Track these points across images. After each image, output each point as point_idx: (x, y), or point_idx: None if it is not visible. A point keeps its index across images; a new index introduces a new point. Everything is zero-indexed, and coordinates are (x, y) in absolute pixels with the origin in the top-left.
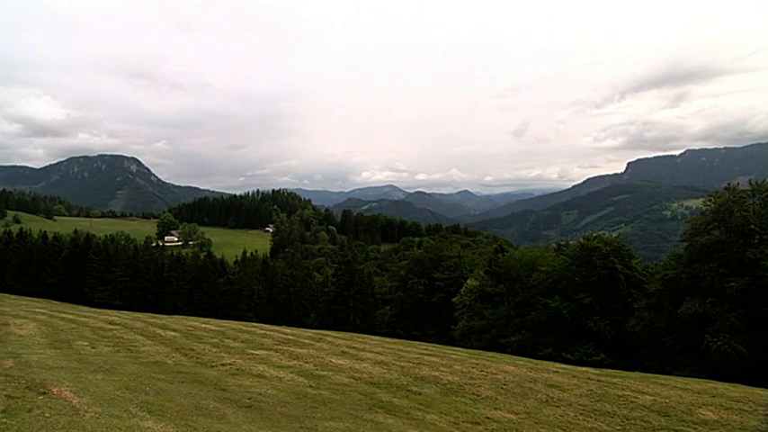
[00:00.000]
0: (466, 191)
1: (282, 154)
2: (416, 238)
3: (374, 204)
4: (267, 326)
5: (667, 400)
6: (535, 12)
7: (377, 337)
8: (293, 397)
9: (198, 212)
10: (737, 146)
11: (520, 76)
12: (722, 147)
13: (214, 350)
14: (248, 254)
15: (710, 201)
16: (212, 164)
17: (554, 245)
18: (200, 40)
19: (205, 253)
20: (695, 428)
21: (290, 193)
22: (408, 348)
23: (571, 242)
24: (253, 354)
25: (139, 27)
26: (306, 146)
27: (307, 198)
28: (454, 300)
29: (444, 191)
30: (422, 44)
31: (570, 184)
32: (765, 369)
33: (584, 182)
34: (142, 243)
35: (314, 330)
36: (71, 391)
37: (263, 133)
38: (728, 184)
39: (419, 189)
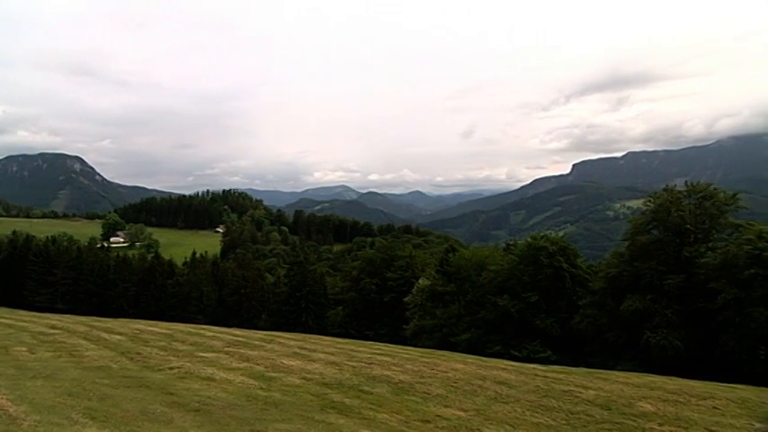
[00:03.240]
0: (418, 191)
1: (233, 153)
2: (369, 239)
3: (327, 205)
4: (217, 328)
5: (609, 394)
6: (483, 14)
7: (329, 338)
8: (243, 399)
9: (145, 213)
10: (675, 148)
11: (469, 79)
12: (661, 149)
13: (161, 353)
14: (198, 255)
15: (650, 201)
16: (160, 163)
17: (503, 244)
18: (147, 37)
19: (153, 254)
20: (635, 421)
21: (241, 193)
22: (360, 348)
23: (519, 242)
24: (202, 356)
25: (82, 22)
26: (257, 145)
27: (258, 198)
28: (406, 299)
29: (396, 191)
30: (375, 45)
31: (518, 185)
32: (698, 362)
33: (531, 183)
34: (86, 244)
35: (265, 332)
36: (8, 399)
37: (213, 132)
38: (667, 186)
39: (371, 189)
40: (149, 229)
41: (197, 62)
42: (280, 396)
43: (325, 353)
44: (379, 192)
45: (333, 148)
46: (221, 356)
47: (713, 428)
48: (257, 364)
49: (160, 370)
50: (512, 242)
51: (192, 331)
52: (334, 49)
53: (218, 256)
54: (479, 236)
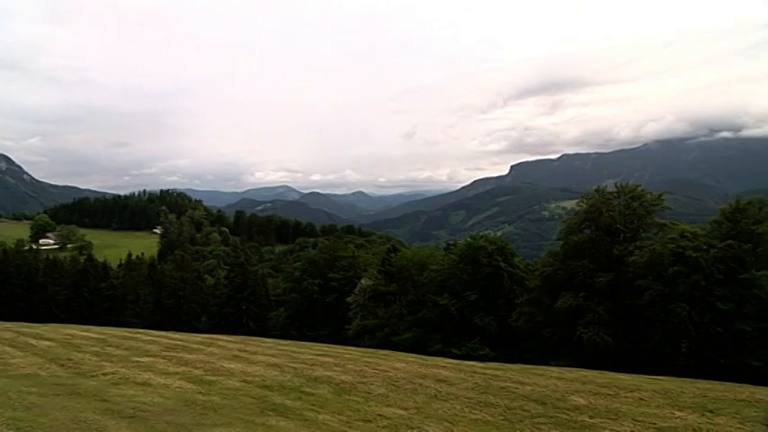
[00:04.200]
0: (360, 191)
1: (171, 152)
2: (311, 239)
3: (268, 205)
4: (154, 332)
5: (544, 389)
6: (426, 18)
7: (270, 340)
8: (181, 404)
9: (78, 213)
10: (606, 151)
11: (411, 81)
12: (593, 152)
13: (94, 359)
14: (134, 257)
15: (583, 202)
16: (94, 162)
17: (444, 244)
18: (80, 31)
19: (85, 256)
20: (568, 414)
21: (180, 193)
22: (302, 350)
23: (459, 241)
24: (137, 361)
25: (8, 14)
26: (196, 144)
27: (197, 198)
28: (348, 299)
29: (339, 191)
30: (318, 46)
31: (459, 186)
32: (627, 356)
33: (471, 183)
34: (13, 246)
35: (205, 335)
36: None
37: (150, 130)
38: (598, 187)
39: (314, 189)
40: (82, 231)
41: (133, 58)
42: (219, 400)
43: (266, 355)
44: (322, 192)
45: (275, 148)
46: (158, 361)
47: (639, 418)
48: (196, 368)
49: (93, 376)
50: (452, 242)
51: (128, 335)
52: (276, 48)
53: (156, 257)
54: (421, 236)
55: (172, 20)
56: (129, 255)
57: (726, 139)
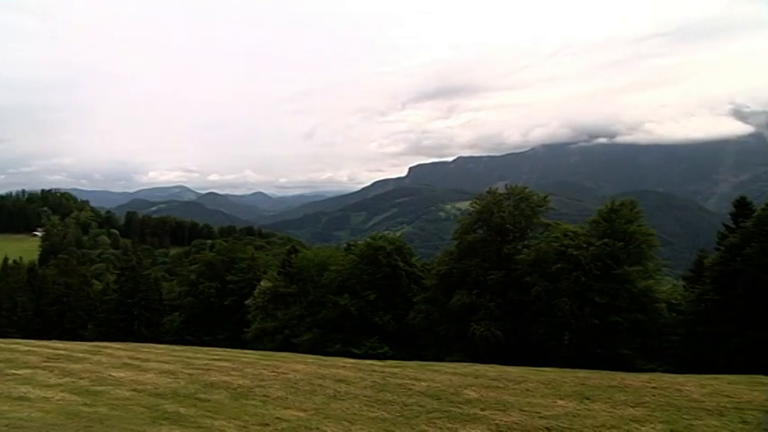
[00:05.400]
0: (260, 192)
1: (53, 150)
2: (209, 241)
3: (163, 206)
4: (34, 341)
5: (439, 385)
6: (324, 18)
7: (164, 346)
8: (63, 418)
9: None
10: (497, 154)
11: (310, 81)
12: (485, 155)
13: None
14: (11, 261)
15: (476, 203)
16: None
17: (344, 245)
18: None
19: None
20: (460, 408)
21: (64, 193)
22: (198, 355)
23: (359, 242)
24: (14, 374)
25: None
26: (83, 142)
27: (85, 199)
28: (247, 302)
29: (238, 192)
30: (215, 42)
31: (359, 187)
32: (515, 349)
33: (371, 185)
34: None
35: (92, 343)
36: None
37: (29, 126)
38: (490, 189)
39: (212, 190)
40: None
41: (10, 48)
42: (106, 411)
43: (159, 362)
44: (220, 192)
45: (170, 147)
46: (38, 372)
47: (525, 408)
48: (81, 379)
49: None
50: (353, 242)
51: (3, 346)
52: (171, 42)
53: (36, 262)
54: (322, 236)
55: (53, 10)
56: (6, 259)
57: (603, 144)
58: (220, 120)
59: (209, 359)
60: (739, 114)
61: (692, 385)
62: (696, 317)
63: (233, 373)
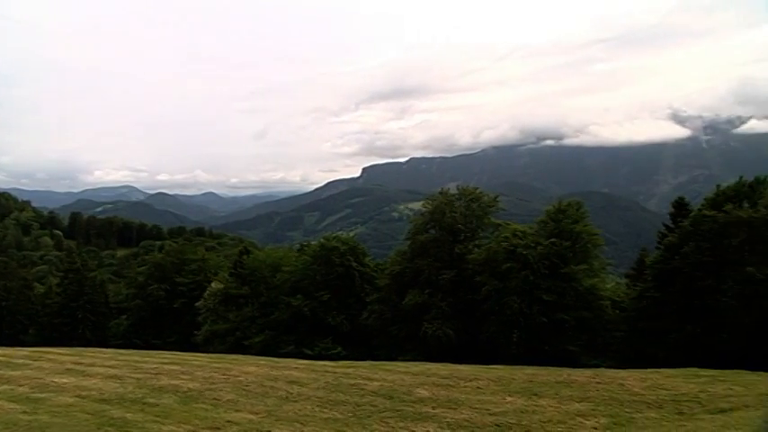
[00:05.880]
0: (211, 192)
1: None
2: (158, 242)
3: (109, 206)
4: None
5: (392, 384)
6: (277, 18)
7: (110, 350)
8: (1, 427)
9: None
10: (449, 155)
11: (263, 81)
12: (438, 156)
13: None
14: None
15: (428, 203)
16: None
17: (297, 245)
18: None
19: None
20: (412, 406)
21: (3, 193)
22: (146, 359)
23: (313, 242)
24: None
25: None
26: (23, 140)
27: (26, 199)
28: (197, 304)
29: (188, 192)
30: (165, 38)
31: (312, 187)
32: (466, 348)
33: (325, 185)
34: None
35: (32, 348)
36: None
37: None
38: (442, 189)
39: (161, 190)
40: None
41: None
42: (48, 419)
43: (104, 366)
44: (170, 193)
45: (116, 145)
46: None
47: (476, 406)
48: (20, 386)
49: None
50: (306, 243)
51: None
52: (117, 37)
53: None
54: (275, 237)
55: None
56: None
57: (550, 146)
58: (170, 118)
59: (157, 363)
60: (677, 118)
61: (634, 379)
62: (638, 313)
63: (182, 376)
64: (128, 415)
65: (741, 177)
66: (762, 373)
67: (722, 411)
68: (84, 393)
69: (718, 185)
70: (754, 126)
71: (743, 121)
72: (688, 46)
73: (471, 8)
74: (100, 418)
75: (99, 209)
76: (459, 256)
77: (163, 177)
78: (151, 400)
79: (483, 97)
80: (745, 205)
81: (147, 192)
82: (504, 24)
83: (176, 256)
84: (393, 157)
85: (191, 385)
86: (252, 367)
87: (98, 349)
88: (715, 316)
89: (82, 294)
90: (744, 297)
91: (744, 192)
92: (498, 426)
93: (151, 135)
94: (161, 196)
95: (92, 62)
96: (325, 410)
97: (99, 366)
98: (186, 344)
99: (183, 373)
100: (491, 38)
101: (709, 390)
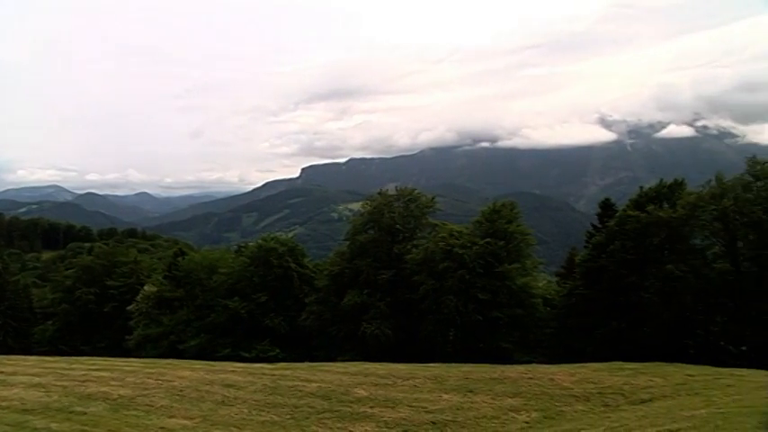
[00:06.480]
0: (145, 192)
1: None
2: (87, 244)
3: (34, 207)
4: None
5: (330, 385)
6: (215, 16)
7: (34, 357)
8: None
9: None
10: (388, 156)
11: (199, 78)
12: (377, 157)
13: None
14: None
15: (367, 204)
16: None
17: (235, 246)
18: None
19: None
20: (350, 406)
21: None
22: (73, 365)
23: (251, 244)
24: None
25: None
26: None
27: None
28: (129, 308)
29: (120, 192)
30: (98, 30)
31: (250, 188)
32: (404, 347)
33: (263, 185)
34: None
35: None
36: None
37: None
38: (381, 190)
39: (91, 190)
40: None
41: None
42: None
43: (27, 375)
44: (100, 193)
45: (42, 143)
46: None
47: (413, 404)
48: None
49: None
50: (244, 244)
51: None
52: (45, 28)
53: None
54: (211, 238)
55: None
56: None
57: (485, 148)
58: (100, 115)
59: (86, 369)
60: (604, 123)
61: (563, 374)
62: (567, 310)
63: (113, 383)
64: (53, 425)
65: (661, 180)
66: (679, 364)
67: (643, 402)
68: (3, 404)
69: (641, 187)
70: (672, 131)
71: (663, 125)
72: (613, 54)
73: (410, 10)
74: (21, 430)
75: (23, 209)
76: (398, 256)
77: (93, 177)
78: (78, 409)
79: (421, 99)
80: (665, 206)
81: (76, 192)
82: (441, 28)
83: (107, 259)
84: (332, 158)
85: (121, 392)
86: (187, 372)
87: (21, 357)
88: (638, 311)
89: (3, 299)
90: (664, 293)
91: (664, 193)
92: (435, 423)
93: (81, 133)
94: (91, 196)
95: (13, 55)
96: (262, 413)
97: (21, 375)
98: (117, 349)
99: (113, 379)
100: (430, 40)
101: (632, 382)
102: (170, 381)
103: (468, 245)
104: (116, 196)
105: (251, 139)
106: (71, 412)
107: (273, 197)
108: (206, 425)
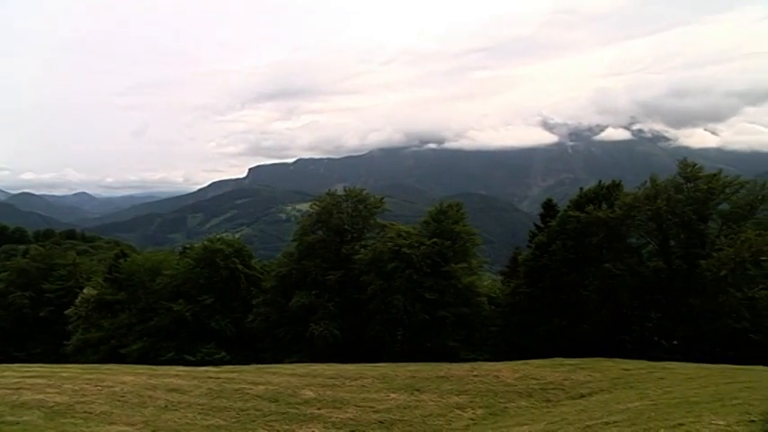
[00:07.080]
0: (84, 192)
1: None
2: (21, 246)
3: None
4: None
5: (277, 387)
6: (157, 11)
7: None
8: None
9: None
10: (336, 157)
11: (143, 76)
12: (325, 157)
13: None
14: None
15: (316, 204)
16: None
17: (180, 248)
18: None
19: None
20: (298, 408)
21: None
22: (5, 372)
23: (196, 245)
24: None
25: None
26: None
27: None
28: (67, 312)
29: (58, 192)
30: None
31: (196, 188)
32: (353, 347)
33: (209, 185)
34: None
35: None
36: None
37: None
38: (329, 190)
39: (26, 190)
40: None
41: None
42: None
43: None
44: (36, 193)
45: None
46: None
47: (360, 404)
48: None
49: None
50: (189, 245)
51: None
52: None
53: None
54: (155, 240)
55: None
56: None
57: (433, 149)
58: (36, 112)
59: (19, 377)
60: (546, 125)
61: (507, 371)
62: (511, 308)
63: (49, 390)
64: None
65: (600, 181)
66: (616, 359)
67: (582, 396)
68: None
69: (581, 188)
70: (610, 134)
71: (601, 128)
72: (555, 58)
73: (359, 10)
74: None
75: None
76: (346, 257)
77: (28, 176)
78: (10, 419)
79: (369, 100)
80: (604, 206)
81: (9, 192)
82: (391, 29)
83: (43, 261)
84: (280, 158)
85: (58, 399)
86: (128, 376)
87: None
88: (578, 309)
89: None
90: (602, 291)
91: (602, 194)
92: (382, 422)
93: (14, 130)
94: (25, 196)
95: None
96: (207, 417)
97: None
98: (54, 355)
99: (49, 386)
100: (378, 41)
101: (572, 377)
102: (110, 386)
103: (416, 245)
104: (53, 196)
105: (197, 139)
106: (2, 422)
107: (220, 197)
108: (148, 430)
